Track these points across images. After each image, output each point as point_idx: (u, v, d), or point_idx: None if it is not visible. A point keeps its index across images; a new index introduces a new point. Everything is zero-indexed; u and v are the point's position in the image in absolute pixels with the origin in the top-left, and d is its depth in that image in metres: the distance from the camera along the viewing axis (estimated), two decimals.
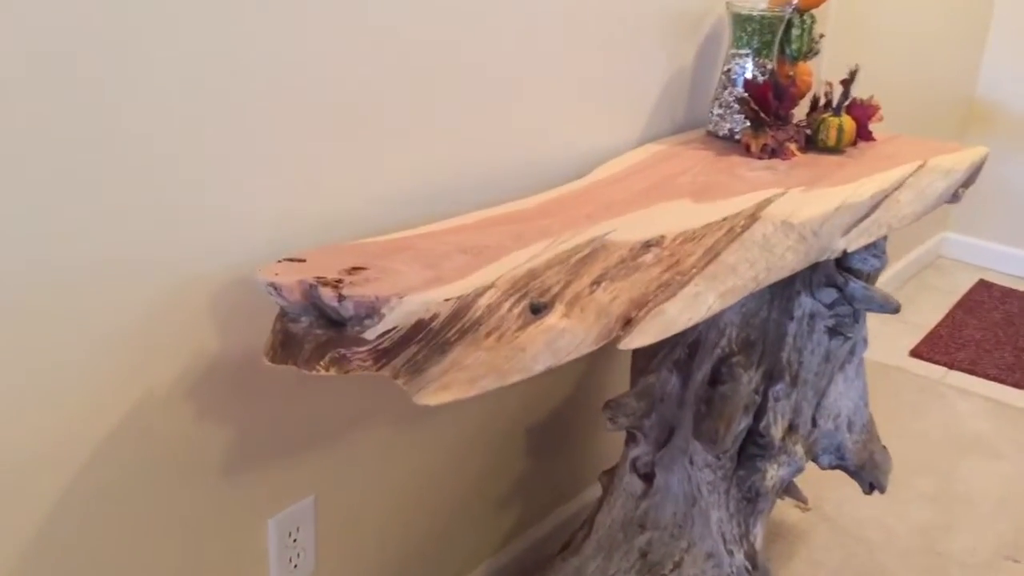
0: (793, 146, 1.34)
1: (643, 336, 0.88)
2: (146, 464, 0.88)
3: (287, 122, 0.89)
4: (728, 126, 1.39)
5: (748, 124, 1.35)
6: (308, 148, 0.92)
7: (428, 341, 0.78)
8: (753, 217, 1.07)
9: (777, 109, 1.34)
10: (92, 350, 0.81)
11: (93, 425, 0.83)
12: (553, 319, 0.83)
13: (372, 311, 0.78)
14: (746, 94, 1.34)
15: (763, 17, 1.33)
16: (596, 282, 0.90)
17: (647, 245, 0.98)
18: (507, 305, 0.82)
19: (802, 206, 1.10)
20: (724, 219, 1.06)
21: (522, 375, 0.79)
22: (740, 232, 1.04)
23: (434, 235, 0.95)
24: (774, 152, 1.32)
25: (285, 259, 0.85)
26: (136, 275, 0.82)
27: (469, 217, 1.02)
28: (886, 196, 1.20)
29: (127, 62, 0.76)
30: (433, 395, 0.76)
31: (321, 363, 0.77)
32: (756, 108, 1.32)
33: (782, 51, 1.39)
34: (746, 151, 1.33)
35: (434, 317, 0.78)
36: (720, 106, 1.40)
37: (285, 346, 0.80)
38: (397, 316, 0.77)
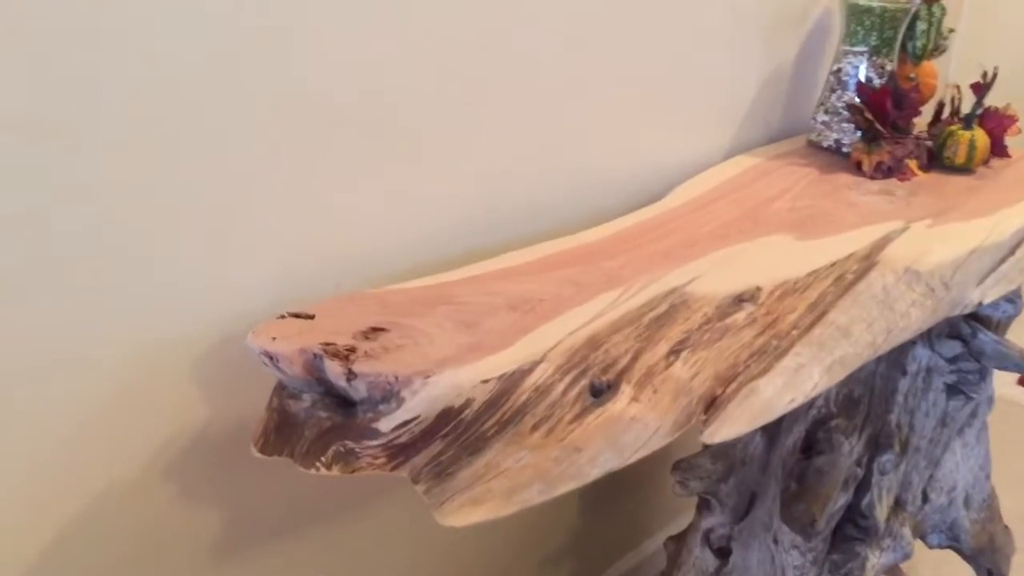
0: (913, 164, 1.15)
1: (732, 424, 0.71)
2: (117, 558, 0.75)
3: (293, 136, 0.74)
4: (835, 136, 1.20)
5: (860, 136, 1.15)
6: (322, 168, 0.77)
7: (458, 436, 0.63)
8: (869, 261, 0.89)
9: (896, 119, 1.15)
10: (37, 436, 0.67)
11: (45, 525, 0.69)
12: (619, 404, 0.67)
13: (389, 394, 0.63)
14: (859, 100, 1.15)
15: (884, 9, 1.13)
16: (675, 351, 0.73)
17: (739, 300, 0.81)
18: (561, 386, 0.66)
19: (930, 247, 0.91)
20: (832, 264, 0.88)
21: (575, 483, 0.63)
22: (853, 281, 0.86)
23: (477, 281, 0.79)
24: (890, 171, 1.13)
25: (289, 314, 0.70)
26: (94, 343, 0.68)
27: (521, 255, 0.86)
28: None
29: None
30: (460, 512, 0.60)
31: (323, 458, 0.62)
32: (871, 117, 1.13)
33: (903, 48, 1.19)
34: (857, 169, 1.14)
35: (467, 404, 0.63)
36: (826, 112, 1.21)
37: (281, 431, 0.65)
38: (421, 402, 0.62)
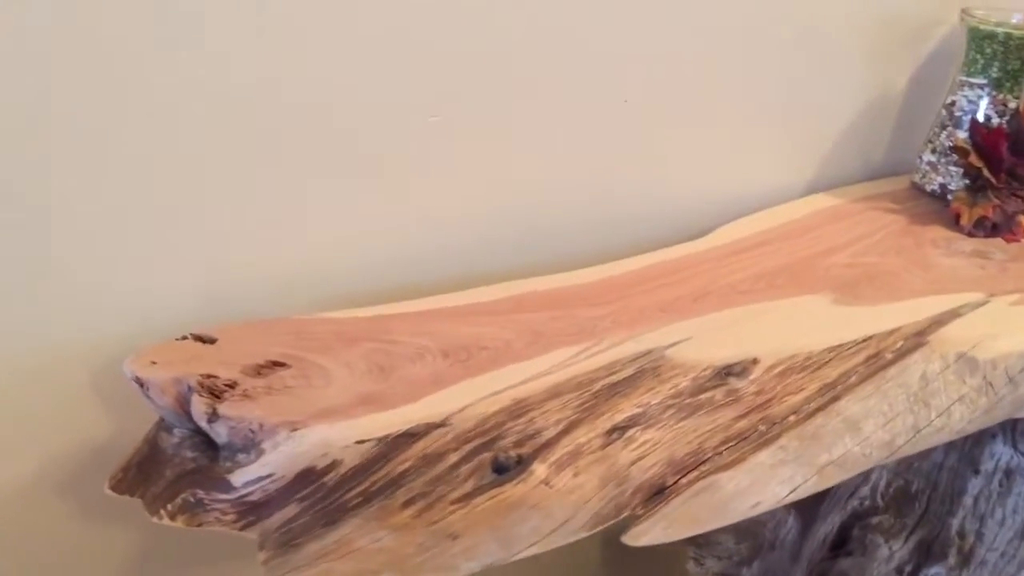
0: None
1: (669, 526, 0.61)
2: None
3: (231, 135, 0.69)
4: (940, 180, 1.04)
5: (965, 183, 0.99)
6: (269, 176, 0.71)
7: (316, 502, 0.56)
8: (917, 340, 0.74)
9: (1013, 166, 0.97)
10: None
11: None
12: (523, 487, 0.58)
13: (250, 443, 0.56)
14: (968, 139, 0.98)
15: (1009, 36, 0.96)
16: (621, 427, 0.63)
17: (726, 372, 0.69)
18: (455, 457, 0.58)
19: (1001, 330, 0.76)
20: (867, 339, 0.74)
21: None
22: (887, 363, 0.72)
23: (421, 318, 0.72)
24: (995, 229, 0.96)
25: (192, 335, 0.65)
26: None
27: (493, 291, 0.77)
28: None
29: None
30: None
31: (169, 506, 0.57)
32: (979, 162, 0.96)
33: None
34: (955, 222, 0.98)
35: (332, 467, 0.56)
36: (934, 152, 1.04)
37: (143, 466, 0.61)
38: (280, 458, 0.56)
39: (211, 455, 0.59)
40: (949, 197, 1.03)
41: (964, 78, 1.01)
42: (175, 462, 0.59)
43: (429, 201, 0.79)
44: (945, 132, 1.03)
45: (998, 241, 0.95)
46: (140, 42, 0.62)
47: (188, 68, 0.64)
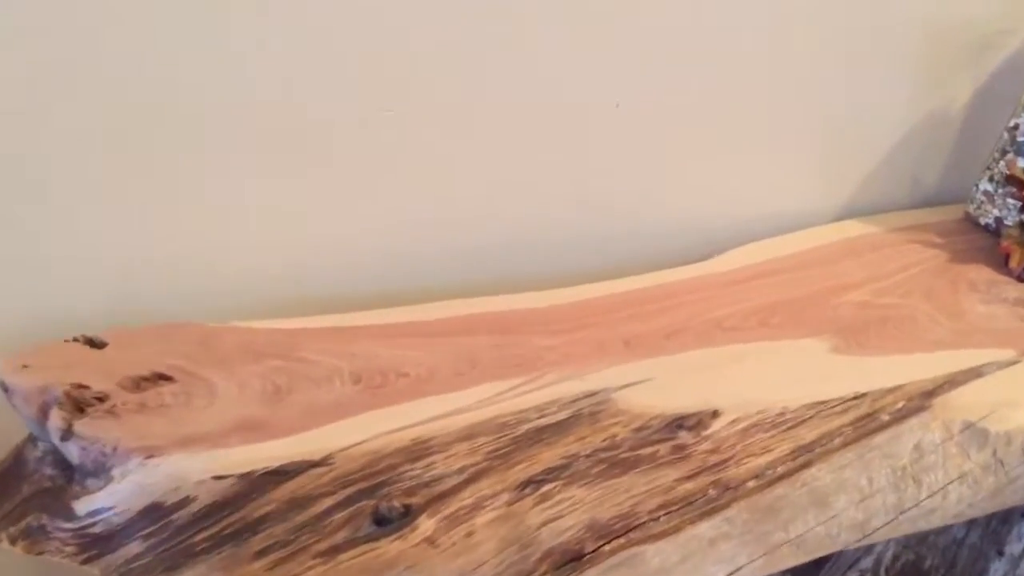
0: None
1: None
2: None
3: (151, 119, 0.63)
4: (995, 213, 0.92)
5: (1021, 219, 0.87)
6: (184, 170, 0.66)
7: (161, 542, 0.50)
8: (920, 403, 0.64)
9: None
10: None
11: None
12: (401, 544, 0.51)
13: (101, 468, 0.51)
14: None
15: None
16: (537, 480, 0.56)
17: (678, 424, 0.61)
18: (328, 503, 0.52)
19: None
20: (859, 396, 0.65)
21: None
22: (880, 427, 0.63)
23: (344, 335, 0.65)
24: None
25: (82, 337, 0.60)
26: None
27: (440, 309, 0.70)
28: None
29: None
30: None
31: (12, 528, 0.52)
32: None
33: None
34: (1004, 264, 0.86)
35: (183, 504, 0.50)
36: (991, 180, 0.93)
37: (4, 479, 0.56)
38: (127, 488, 0.50)
39: (70, 475, 0.54)
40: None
41: None
42: (34, 479, 0.55)
43: (384, 204, 0.72)
44: (1006, 158, 0.91)
45: None
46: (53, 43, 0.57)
47: (89, 64, 0.59)
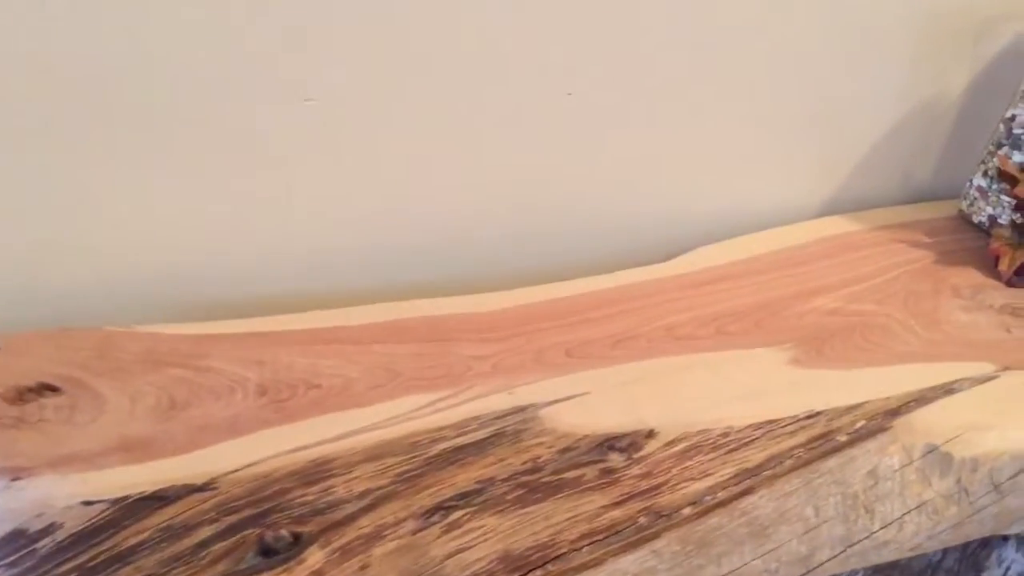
0: None
1: None
2: None
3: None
4: (989, 211, 0.86)
5: (1013, 218, 0.82)
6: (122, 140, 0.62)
7: (24, 573, 0.46)
8: (880, 424, 0.59)
9: None
10: None
11: None
12: (293, 574, 0.47)
13: None
14: (1020, 167, 0.81)
15: None
16: (446, 507, 0.51)
17: (610, 445, 0.56)
18: (209, 531, 0.48)
19: (1002, 420, 0.60)
20: (813, 414, 0.60)
21: None
22: (834, 450, 0.58)
23: (261, 340, 0.61)
24: None
25: None
26: None
27: (373, 312, 0.66)
28: None
29: None
30: None
31: None
32: None
33: None
34: (994, 266, 0.81)
35: (48, 531, 0.46)
36: (985, 175, 0.87)
37: None
38: None
39: None
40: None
41: None
42: None
43: (309, 200, 0.68)
44: (1002, 152, 0.85)
45: None
46: None
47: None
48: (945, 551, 0.75)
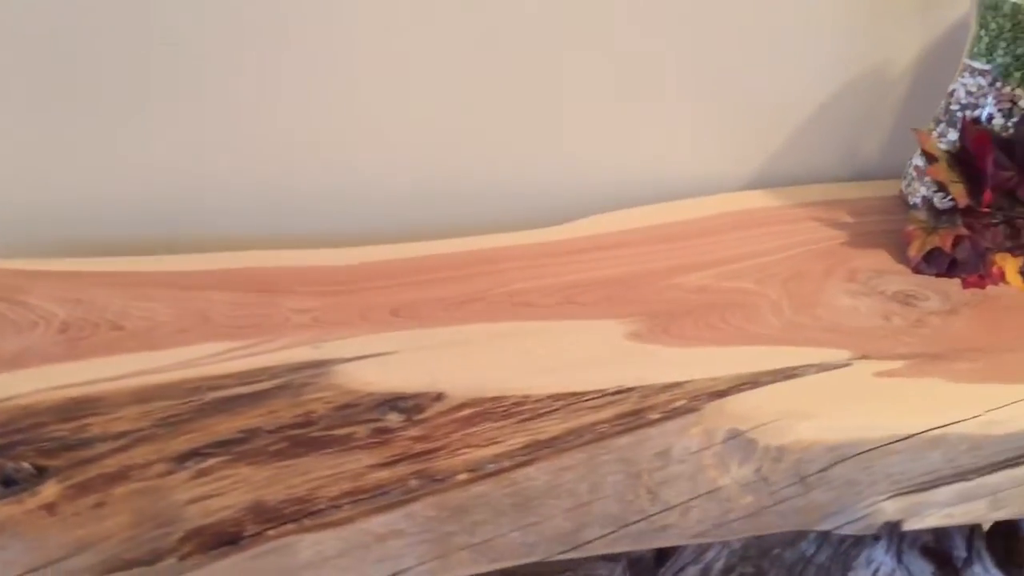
0: (1011, 265, 0.73)
1: None
2: None
3: None
4: (923, 192, 0.81)
5: (935, 199, 0.77)
6: None
7: None
8: (693, 404, 0.57)
9: (1003, 185, 0.73)
10: None
11: None
12: (18, 508, 0.48)
13: None
14: (956, 143, 0.75)
15: (1019, 8, 0.72)
16: (202, 453, 0.52)
17: (392, 405, 0.56)
18: None
19: (829, 410, 0.57)
20: (625, 390, 0.58)
21: None
22: (638, 427, 0.55)
23: (88, 280, 0.63)
24: (954, 267, 0.73)
25: None
26: None
27: (208, 260, 0.67)
28: None
29: None
30: None
31: None
32: (950, 175, 0.74)
33: None
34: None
35: None
36: (922, 154, 0.81)
37: None
38: None
39: None
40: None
41: (967, 60, 0.77)
42: None
43: (173, 145, 0.68)
44: (940, 128, 0.80)
45: (953, 284, 0.72)
46: None
47: None
48: (819, 546, 0.72)
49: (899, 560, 0.70)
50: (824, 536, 0.73)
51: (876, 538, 0.70)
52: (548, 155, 0.80)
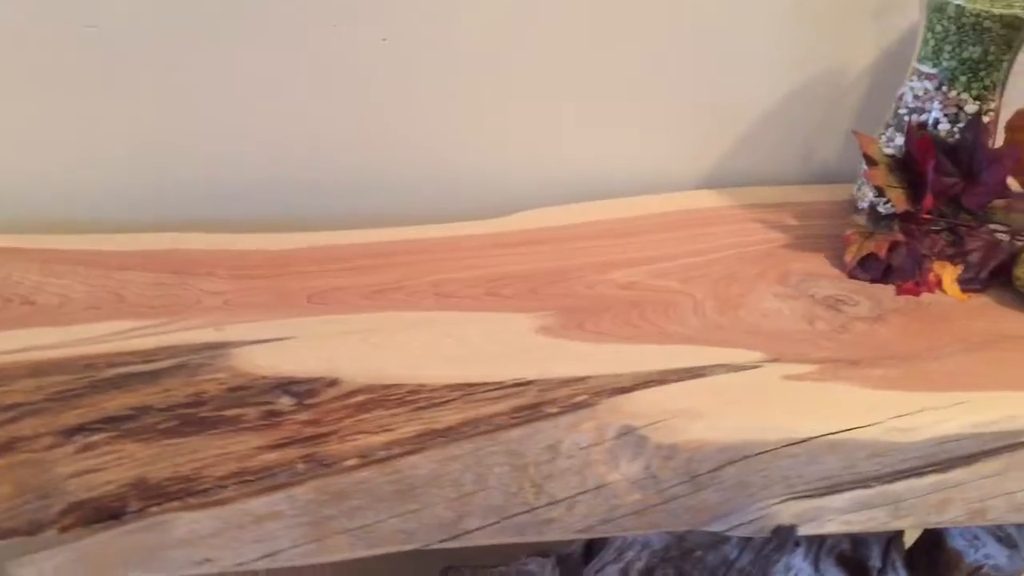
0: (947, 273, 0.72)
1: (75, 562, 0.50)
2: None
3: None
4: (870, 197, 0.79)
5: (879, 204, 0.76)
6: None
7: None
8: (591, 400, 0.56)
9: (951, 191, 0.73)
10: None
11: None
12: None
13: None
14: (901, 148, 0.75)
15: (962, 10, 0.70)
16: (93, 429, 0.53)
17: (286, 389, 0.56)
18: None
19: (725, 411, 0.56)
20: (523, 383, 0.57)
21: None
22: (534, 420, 0.55)
23: (8, 255, 0.63)
24: (889, 273, 0.72)
25: None
26: None
27: (134, 240, 0.67)
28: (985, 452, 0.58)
29: None
30: None
31: None
32: (889, 180, 0.73)
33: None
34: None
35: None
36: (865, 158, 0.80)
37: None
38: None
39: None
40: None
41: (915, 64, 0.76)
42: None
43: (102, 128, 0.69)
44: (888, 132, 0.79)
45: (888, 290, 0.71)
46: None
47: None
48: (742, 550, 0.71)
49: (816, 567, 0.69)
50: (747, 540, 0.72)
51: (796, 544, 0.69)
52: (496, 151, 0.80)
